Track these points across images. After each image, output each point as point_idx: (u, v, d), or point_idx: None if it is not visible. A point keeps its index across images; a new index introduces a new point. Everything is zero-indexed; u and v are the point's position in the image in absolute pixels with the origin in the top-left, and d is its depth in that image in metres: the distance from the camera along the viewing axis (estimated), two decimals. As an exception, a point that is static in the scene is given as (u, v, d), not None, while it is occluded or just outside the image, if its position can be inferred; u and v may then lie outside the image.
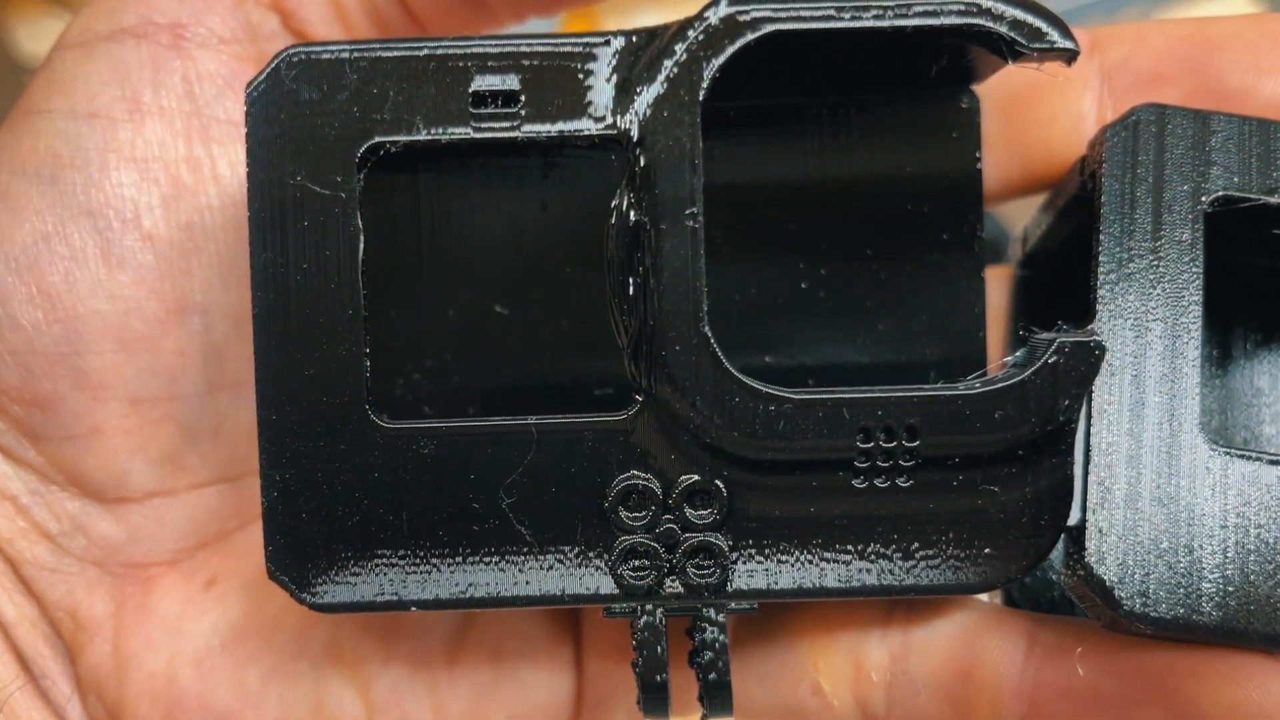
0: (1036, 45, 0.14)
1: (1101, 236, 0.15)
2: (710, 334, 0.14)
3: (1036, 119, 0.17)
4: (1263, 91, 0.16)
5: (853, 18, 0.14)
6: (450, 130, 0.14)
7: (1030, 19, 0.14)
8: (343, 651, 0.18)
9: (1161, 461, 0.14)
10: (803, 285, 0.17)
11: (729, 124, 0.17)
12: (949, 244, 0.17)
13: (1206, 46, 0.17)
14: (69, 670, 0.18)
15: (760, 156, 0.17)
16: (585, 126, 0.14)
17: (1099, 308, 0.15)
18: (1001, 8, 0.14)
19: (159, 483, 0.17)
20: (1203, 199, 0.15)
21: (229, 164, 0.17)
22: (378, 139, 0.14)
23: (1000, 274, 0.19)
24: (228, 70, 0.17)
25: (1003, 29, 0.14)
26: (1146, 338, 0.15)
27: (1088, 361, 0.14)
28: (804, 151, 0.17)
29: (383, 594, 0.15)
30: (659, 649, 0.15)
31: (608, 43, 0.14)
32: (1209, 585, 0.14)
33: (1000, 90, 0.17)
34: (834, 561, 0.15)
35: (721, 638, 0.15)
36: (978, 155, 0.17)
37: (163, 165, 0.17)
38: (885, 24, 0.14)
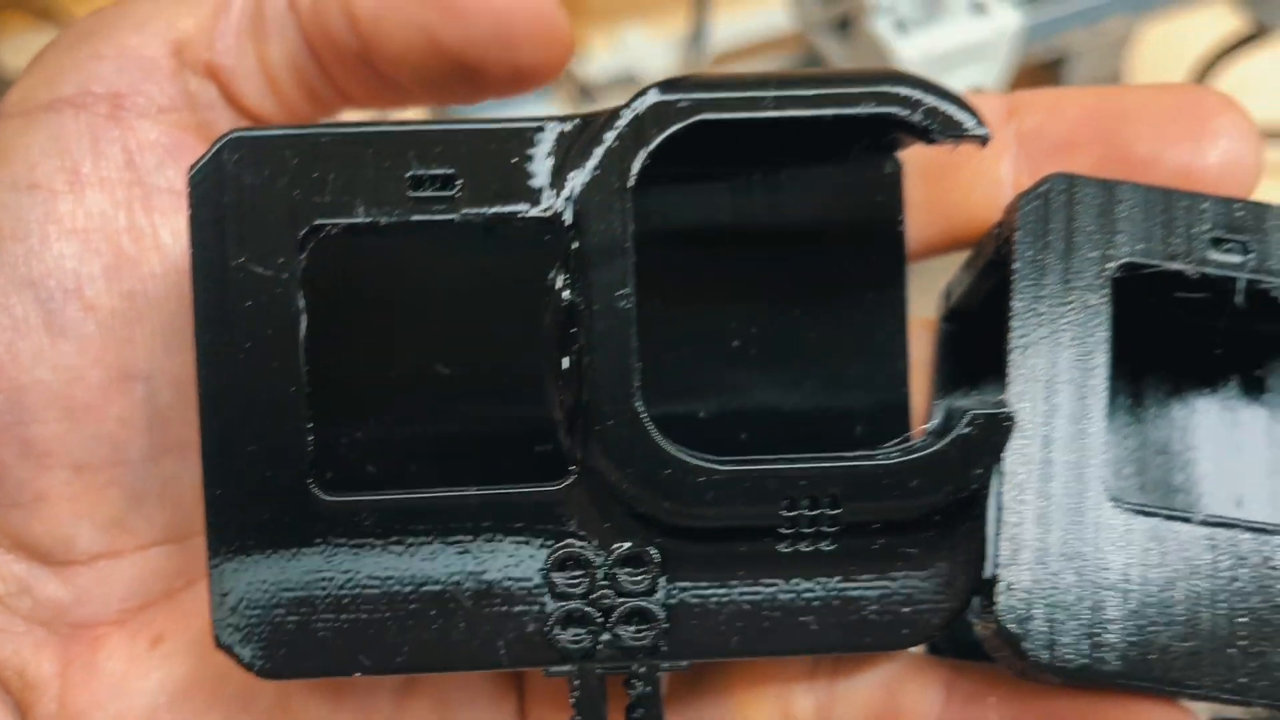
0: (951, 133, 0.15)
1: (1014, 302, 0.16)
2: (642, 409, 0.15)
3: (956, 183, 0.18)
4: (1168, 161, 0.17)
5: (775, 106, 0.15)
6: (389, 212, 0.15)
7: (944, 107, 0.15)
8: (290, 707, 0.18)
9: (1068, 519, 0.15)
10: (735, 342, 0.18)
11: (665, 185, 0.18)
12: (874, 302, 0.18)
13: (1117, 116, 0.18)
14: None
15: (696, 217, 0.18)
16: (521, 209, 0.15)
17: (1010, 372, 0.16)
18: (917, 97, 0.15)
19: (105, 545, 0.18)
20: (1109, 265, 0.16)
21: (171, 233, 0.17)
22: (318, 221, 0.15)
23: (926, 326, 0.19)
24: (168, 139, 0.18)
25: (917, 119, 0.15)
26: (1055, 400, 0.16)
27: (998, 432, 0.15)
28: (737, 213, 0.18)
29: (328, 663, 0.15)
30: (596, 706, 0.16)
31: (542, 129, 0.15)
32: (1111, 636, 0.15)
33: (922, 155, 0.18)
34: (763, 622, 0.16)
35: (655, 693, 0.16)
36: (901, 218, 0.18)
37: (104, 236, 0.17)
38: (806, 114, 0.15)
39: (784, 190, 0.18)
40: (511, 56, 0.17)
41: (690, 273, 0.18)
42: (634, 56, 0.68)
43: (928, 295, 0.20)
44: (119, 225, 0.17)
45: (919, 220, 0.18)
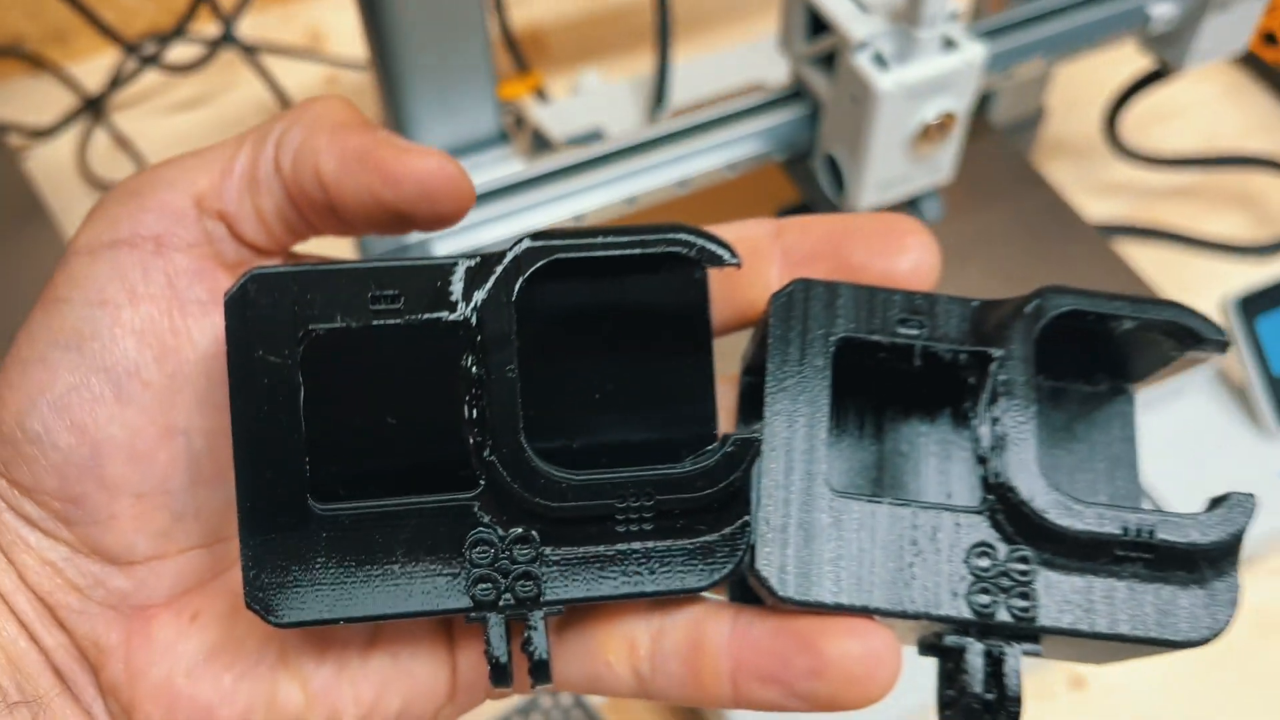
0: (715, 263, 0.23)
1: (768, 365, 0.24)
2: (525, 442, 0.23)
3: (743, 283, 0.26)
4: (874, 267, 0.25)
5: (603, 248, 0.23)
6: (357, 319, 0.23)
7: (710, 247, 0.23)
8: (289, 658, 0.24)
9: (802, 502, 0.23)
10: (596, 395, 0.26)
11: (552, 287, 0.25)
12: (690, 365, 0.26)
13: (844, 235, 0.25)
14: (94, 681, 0.24)
15: (571, 308, 0.25)
16: (444, 315, 0.23)
17: (766, 411, 0.24)
18: (692, 240, 0.23)
19: (156, 550, 0.24)
20: (831, 339, 0.24)
21: (200, 332, 0.24)
22: (311, 327, 0.23)
23: (732, 380, 0.28)
24: (196, 265, 0.24)
25: (694, 254, 0.23)
26: (794, 428, 0.24)
27: (752, 449, 0.23)
28: (599, 306, 0.25)
29: (321, 615, 0.23)
30: (501, 641, 0.24)
31: (456, 264, 0.23)
32: (829, 577, 0.23)
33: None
34: (609, 578, 0.24)
35: (542, 631, 0.24)
36: (708, 309, 0.26)
37: (154, 334, 0.24)
38: (622, 253, 0.23)
39: (628, 292, 0.26)
40: (432, 208, 0.24)
41: (565, 348, 0.26)
42: (594, 102, 0.73)
43: (737, 356, 0.28)
44: (164, 327, 0.24)
45: (721, 308, 0.26)
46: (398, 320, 0.23)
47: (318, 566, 0.23)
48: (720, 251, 0.23)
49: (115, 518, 0.24)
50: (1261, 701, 0.57)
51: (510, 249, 0.23)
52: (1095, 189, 0.83)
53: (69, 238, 0.61)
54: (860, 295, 0.24)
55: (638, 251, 0.23)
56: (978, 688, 0.22)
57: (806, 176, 0.60)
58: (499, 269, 0.22)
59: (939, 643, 0.23)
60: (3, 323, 0.56)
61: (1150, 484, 0.60)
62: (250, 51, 0.86)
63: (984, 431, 0.23)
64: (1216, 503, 0.23)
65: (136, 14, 0.94)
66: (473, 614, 0.23)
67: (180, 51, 0.91)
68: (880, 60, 0.51)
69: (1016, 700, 0.22)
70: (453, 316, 0.23)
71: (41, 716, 0.23)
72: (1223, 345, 0.23)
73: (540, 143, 0.59)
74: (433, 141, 0.56)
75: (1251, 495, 0.22)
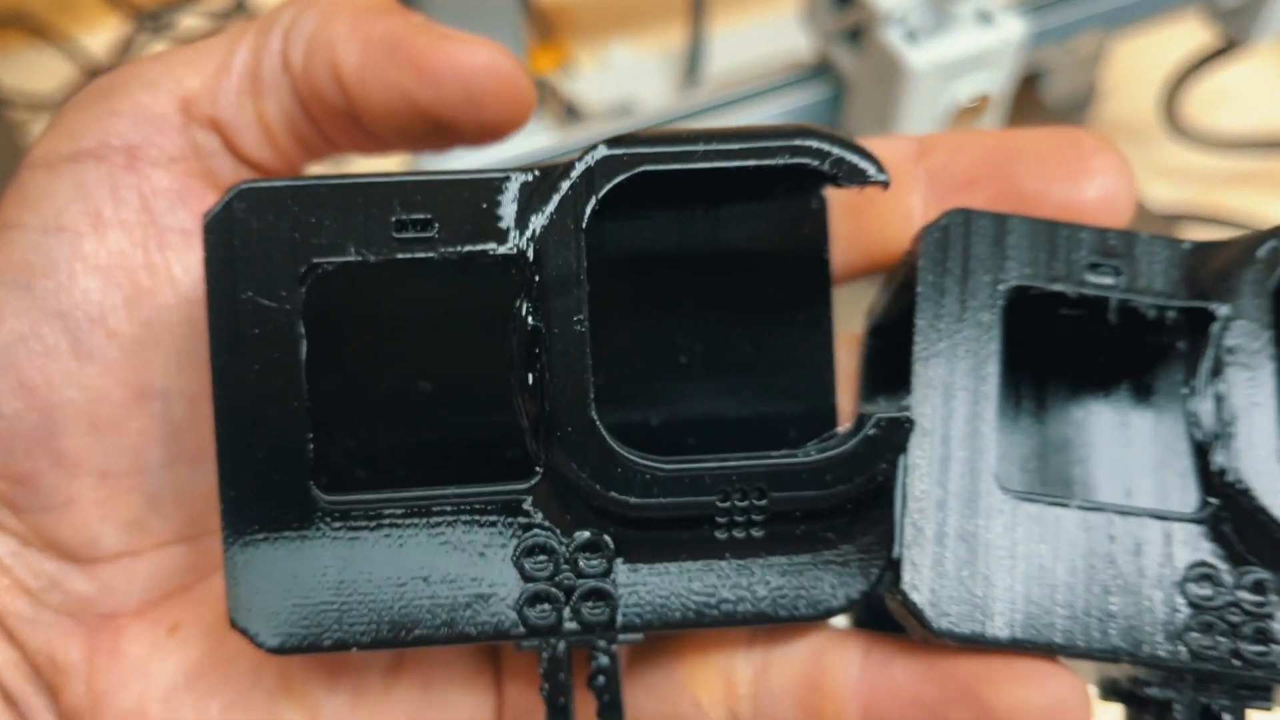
0: (855, 179, 0.18)
1: (917, 321, 0.19)
2: (597, 417, 0.18)
3: (874, 215, 0.22)
4: (1052, 196, 0.21)
5: (704, 158, 0.18)
6: (377, 251, 0.18)
7: (849, 158, 0.18)
8: (293, 683, 0.21)
9: (963, 505, 0.19)
10: (682, 358, 0.21)
11: (622, 220, 0.21)
12: (804, 321, 0.21)
13: (1009, 156, 0.21)
14: (52, 706, 0.21)
15: (648, 248, 0.22)
16: (490, 248, 0.18)
17: (914, 381, 0.19)
18: (826, 149, 0.18)
19: (126, 544, 0.21)
20: (1000, 288, 0.20)
21: (183, 268, 0.21)
22: (316, 260, 0.18)
23: (853, 340, 0.23)
24: (179, 185, 0.21)
25: (826, 168, 0.18)
26: (952, 405, 0.19)
27: (900, 432, 0.18)
28: (684, 244, 0.22)
29: (326, 638, 0.19)
30: (561, 676, 0.19)
31: (508, 179, 0.18)
32: (1000, 605, 0.18)
33: (845, 192, 0.21)
34: (704, 597, 0.19)
35: (614, 664, 0.19)
36: (826, 248, 0.21)
37: (124, 271, 0.21)
38: (732, 164, 0.18)
39: (724, 224, 0.21)
40: (479, 114, 0.20)
41: (642, 297, 0.22)
42: (623, 75, 0.70)
43: (859, 312, 0.24)
44: (137, 262, 0.21)
45: (843, 248, 0.22)
46: (430, 253, 0.18)
47: (322, 573, 0.19)
48: (864, 165, 0.18)
49: (74, 502, 0.21)
50: None
51: (581, 158, 0.18)
52: (1151, 172, 0.81)
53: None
54: (1038, 231, 0.20)
55: (753, 163, 0.18)
56: None
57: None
58: (565, 185, 0.18)
59: (1136, 691, 0.18)
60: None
61: None
62: (266, 19, 0.84)
63: (1205, 412, 0.18)
64: None
65: (147, -21, 0.91)
66: (524, 642, 0.18)
67: (190, 21, 0.91)
68: (911, 35, 0.49)
69: None
70: (503, 249, 0.18)
71: None
72: None
73: (571, 114, 0.57)
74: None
75: None
